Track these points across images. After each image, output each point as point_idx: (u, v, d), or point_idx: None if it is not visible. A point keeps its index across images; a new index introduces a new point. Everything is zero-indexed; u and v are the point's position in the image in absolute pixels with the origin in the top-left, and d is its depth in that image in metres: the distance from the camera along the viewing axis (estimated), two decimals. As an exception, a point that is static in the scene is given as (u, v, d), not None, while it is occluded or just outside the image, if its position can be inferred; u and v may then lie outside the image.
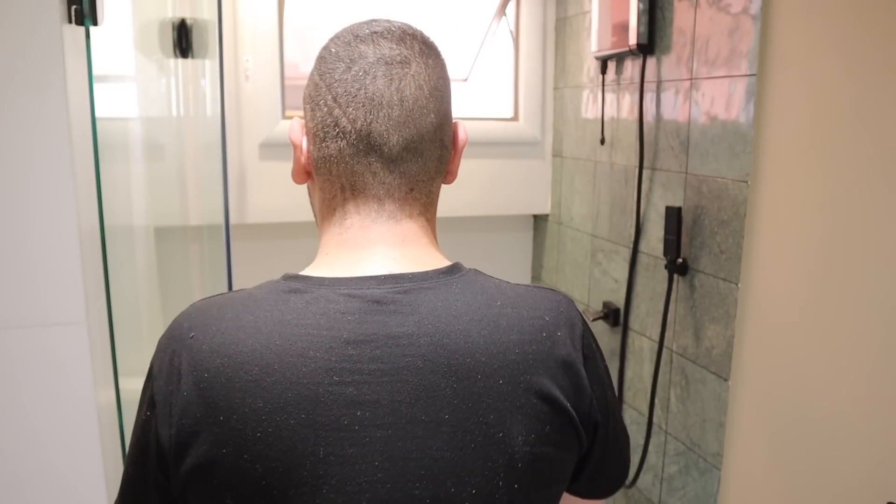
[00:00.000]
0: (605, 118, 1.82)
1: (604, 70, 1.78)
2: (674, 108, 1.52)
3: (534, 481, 0.64)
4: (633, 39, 1.58)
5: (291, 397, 0.58)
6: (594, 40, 1.76)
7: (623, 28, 1.62)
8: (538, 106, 2.14)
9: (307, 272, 0.66)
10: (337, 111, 0.65)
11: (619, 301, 1.78)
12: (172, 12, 1.61)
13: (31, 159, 0.82)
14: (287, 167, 2.15)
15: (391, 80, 0.64)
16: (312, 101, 0.67)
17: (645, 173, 1.64)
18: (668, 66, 1.54)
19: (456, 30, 2.18)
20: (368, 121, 0.64)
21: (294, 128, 0.70)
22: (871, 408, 1.11)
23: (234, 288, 1.60)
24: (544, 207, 2.20)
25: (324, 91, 0.66)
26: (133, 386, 1.27)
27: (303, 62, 2.21)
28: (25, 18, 0.79)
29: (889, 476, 1.08)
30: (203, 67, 1.58)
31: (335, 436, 0.59)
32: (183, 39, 1.54)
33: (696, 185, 1.46)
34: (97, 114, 0.92)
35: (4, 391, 0.84)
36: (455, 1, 2.14)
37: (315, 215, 0.74)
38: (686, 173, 1.49)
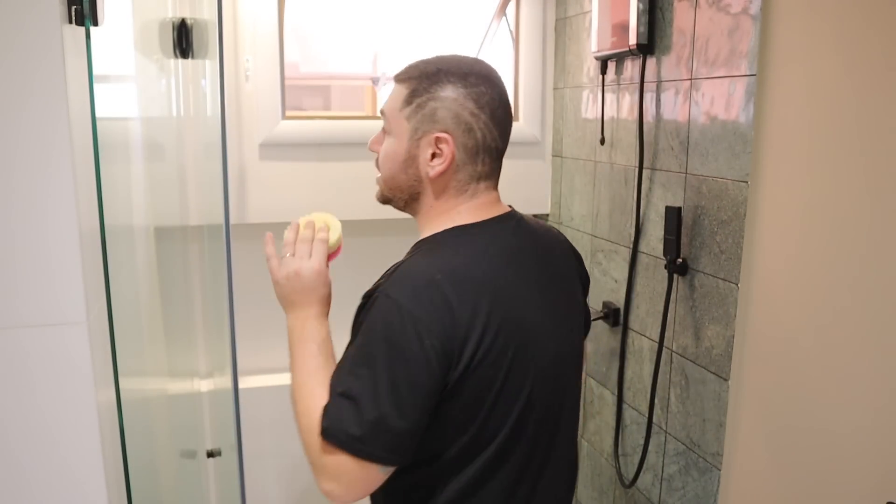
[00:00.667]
0: (605, 118, 1.82)
1: (604, 70, 1.78)
2: (674, 108, 1.52)
3: (583, 323, 1.16)
4: (632, 39, 1.58)
5: (516, 293, 0.99)
6: (594, 40, 1.76)
7: (623, 28, 1.62)
8: (538, 106, 2.14)
9: (465, 223, 1.02)
10: (494, 133, 1.02)
11: (619, 301, 1.78)
12: (172, 12, 1.61)
13: (32, 159, 0.82)
14: (288, 167, 2.14)
15: (508, 114, 1.05)
16: (467, 124, 1.00)
17: (645, 173, 1.64)
18: (668, 66, 1.54)
19: (456, 30, 2.18)
20: (503, 142, 1.05)
21: (451, 143, 1.00)
22: (871, 407, 1.11)
23: (235, 288, 1.62)
24: (544, 207, 2.20)
25: (485, 119, 1.00)
26: (133, 386, 1.27)
27: (303, 62, 2.21)
28: (25, 18, 0.79)
29: (889, 476, 1.08)
30: (203, 67, 1.58)
31: (535, 307, 1.01)
32: (183, 39, 1.54)
33: (695, 185, 1.46)
34: (97, 114, 0.92)
35: (4, 391, 0.84)
36: (455, 1, 2.14)
37: (431, 194, 1.05)
38: (686, 173, 1.49)
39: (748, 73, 1.30)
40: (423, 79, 1.00)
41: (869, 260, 1.10)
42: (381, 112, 1.07)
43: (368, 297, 0.98)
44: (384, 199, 1.12)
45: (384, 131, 1.07)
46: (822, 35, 1.17)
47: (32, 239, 0.83)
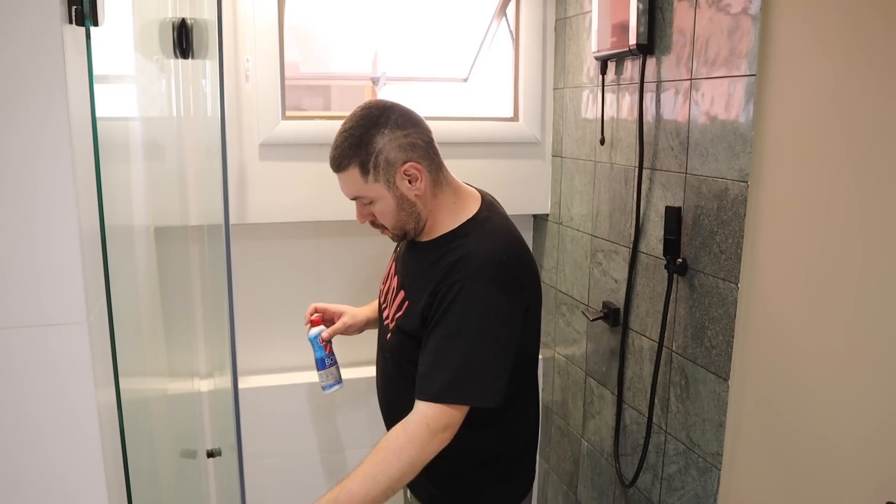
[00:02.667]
0: (605, 118, 1.82)
1: (604, 70, 1.78)
2: (673, 108, 1.52)
3: None
4: (632, 39, 1.58)
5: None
6: (594, 40, 1.76)
7: (623, 28, 1.62)
8: (538, 106, 2.14)
9: (473, 214, 1.33)
10: (422, 130, 1.29)
11: (619, 301, 1.78)
12: (172, 12, 1.61)
13: (32, 159, 0.82)
14: (288, 167, 2.15)
15: (412, 113, 1.31)
16: (410, 143, 1.26)
17: (645, 173, 1.64)
18: (668, 66, 1.54)
19: (456, 30, 2.18)
20: (428, 130, 1.31)
21: (415, 164, 1.27)
22: (870, 407, 1.11)
23: (234, 288, 1.62)
24: (544, 207, 2.20)
25: (412, 129, 1.27)
26: (134, 386, 1.27)
27: (303, 62, 2.21)
28: (25, 18, 0.79)
29: (889, 476, 1.08)
30: (203, 67, 1.58)
31: None
32: (183, 40, 1.54)
33: (695, 185, 1.46)
34: (97, 114, 0.92)
35: (4, 391, 0.84)
36: (455, 1, 2.14)
37: (428, 203, 1.32)
38: (686, 173, 1.49)
39: (748, 73, 1.30)
40: (359, 150, 1.24)
41: (869, 260, 1.10)
42: (354, 197, 1.31)
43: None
44: (402, 236, 1.36)
45: (363, 205, 1.32)
46: (822, 35, 1.17)
47: (32, 239, 0.83)
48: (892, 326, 1.07)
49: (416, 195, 1.28)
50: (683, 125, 1.49)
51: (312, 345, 1.58)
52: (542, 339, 2.26)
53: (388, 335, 1.38)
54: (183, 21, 1.54)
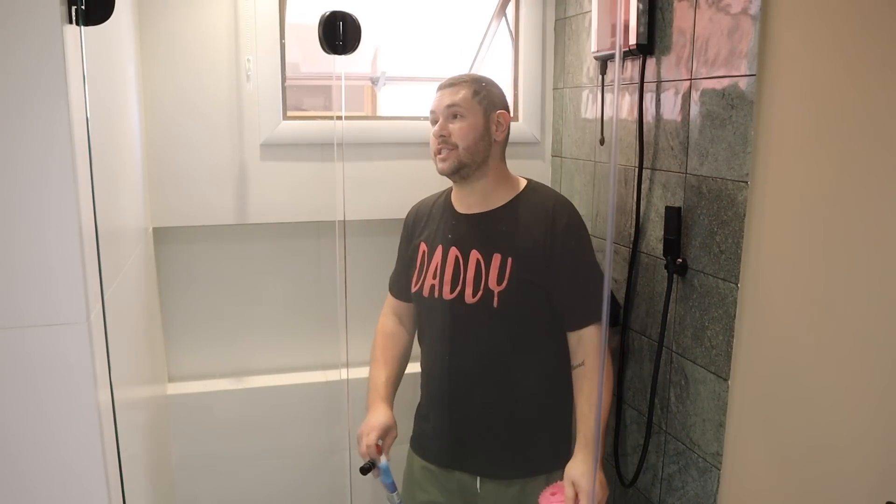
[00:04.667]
0: (605, 118, 1.82)
1: (603, 70, 1.78)
2: (673, 108, 1.52)
3: None
4: (632, 40, 1.58)
5: None
6: (594, 40, 1.76)
7: (623, 28, 1.62)
8: (538, 106, 2.14)
9: (527, 183, 1.63)
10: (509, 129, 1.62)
11: (619, 301, 1.78)
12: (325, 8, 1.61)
13: (32, 159, 0.82)
14: (289, 167, 2.15)
15: None
16: (509, 109, 1.60)
17: (645, 173, 1.64)
18: (668, 66, 1.54)
19: (455, 30, 2.18)
20: None
21: (507, 117, 1.58)
22: (870, 407, 1.11)
23: (233, 287, 1.60)
24: (544, 207, 2.20)
25: (510, 111, 1.61)
26: (133, 386, 1.26)
27: (303, 62, 2.20)
28: (25, 18, 0.79)
29: (889, 476, 1.08)
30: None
31: None
32: (338, 35, 1.57)
33: (695, 185, 1.46)
34: (105, 113, 0.93)
35: (5, 391, 0.84)
36: (455, 1, 2.14)
37: (496, 157, 1.59)
38: (686, 173, 1.49)
39: (748, 73, 1.30)
40: (478, 84, 1.55)
41: (868, 260, 1.10)
42: (451, 105, 1.53)
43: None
44: (460, 166, 1.53)
45: (451, 117, 1.53)
46: (822, 35, 1.17)
47: (33, 239, 0.83)
48: (892, 326, 1.07)
49: (494, 139, 1.56)
50: (683, 125, 1.49)
51: (384, 472, 1.60)
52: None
53: (495, 302, 1.51)
54: (334, 15, 1.55)
